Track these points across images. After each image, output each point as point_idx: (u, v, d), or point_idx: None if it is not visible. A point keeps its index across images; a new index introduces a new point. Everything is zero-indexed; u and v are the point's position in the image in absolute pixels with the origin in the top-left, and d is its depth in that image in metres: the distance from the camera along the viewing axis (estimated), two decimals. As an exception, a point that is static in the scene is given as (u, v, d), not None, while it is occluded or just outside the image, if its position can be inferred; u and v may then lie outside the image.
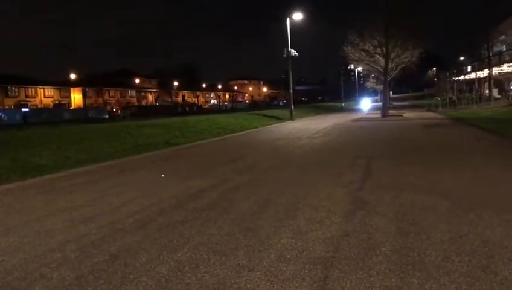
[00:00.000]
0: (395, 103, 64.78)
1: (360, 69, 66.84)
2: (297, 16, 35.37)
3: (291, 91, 37.61)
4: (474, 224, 4.86)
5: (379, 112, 35.07)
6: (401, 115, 32.05)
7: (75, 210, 6.51)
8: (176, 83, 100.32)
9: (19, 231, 5.47)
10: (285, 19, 35.56)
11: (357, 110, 42.04)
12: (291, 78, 37.19)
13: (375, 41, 32.69)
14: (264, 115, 36.03)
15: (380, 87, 56.89)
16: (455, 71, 51.38)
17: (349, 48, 35.21)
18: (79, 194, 7.81)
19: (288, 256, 4.17)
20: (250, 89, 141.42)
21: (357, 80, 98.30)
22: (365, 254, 4.12)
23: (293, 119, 34.84)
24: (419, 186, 7.00)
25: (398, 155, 11.35)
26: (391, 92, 76.57)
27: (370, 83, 78.96)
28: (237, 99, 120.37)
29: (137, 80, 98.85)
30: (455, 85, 55.51)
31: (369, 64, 37.17)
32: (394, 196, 6.37)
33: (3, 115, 40.57)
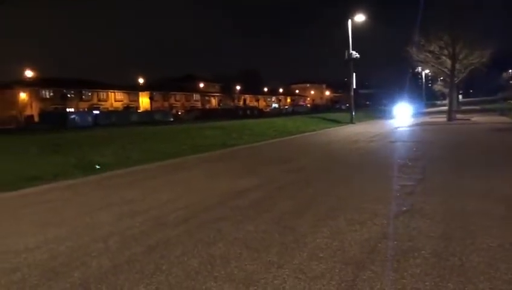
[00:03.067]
0: (464, 107, 61.48)
1: (427, 71, 64.18)
2: (359, 18, 34.70)
3: (352, 94, 36.90)
4: (529, 231, 4.50)
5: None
6: (468, 119, 30.36)
7: (125, 205, 6.79)
8: (238, 87, 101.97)
9: (71, 223, 5.80)
10: (347, 21, 34.99)
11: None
12: (354, 80, 36.50)
13: (442, 42, 31.20)
14: (323, 118, 35.63)
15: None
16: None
17: (413, 49, 33.91)
18: (132, 190, 8.14)
19: (321, 255, 4.09)
20: (312, 92, 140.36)
21: (423, 82, 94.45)
22: (402, 257, 3.94)
23: (353, 123, 34.12)
24: (474, 191, 6.59)
25: (458, 159, 10.76)
26: (460, 96, 72.69)
27: (438, 86, 75.64)
28: (298, 103, 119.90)
29: (201, 84, 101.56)
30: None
31: (434, 66, 35.57)
32: (445, 200, 6.05)
33: (76, 117, 43.29)
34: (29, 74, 60.75)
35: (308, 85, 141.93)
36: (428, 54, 33.31)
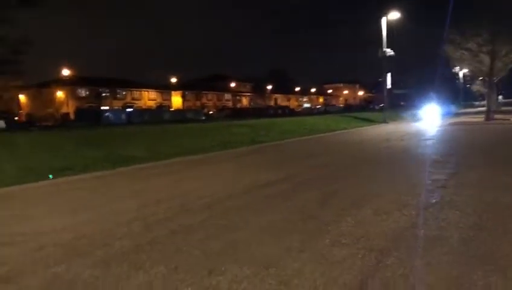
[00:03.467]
0: (504, 108, 59.29)
1: (464, 71, 62.19)
2: (394, 15, 33.99)
3: (386, 93, 36.20)
4: None
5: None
6: (508, 120, 29.21)
7: (151, 193, 6.88)
8: (269, 87, 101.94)
9: (97, 209, 5.91)
10: (380, 18, 34.33)
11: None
12: (388, 78, 35.72)
13: (480, 38, 30.13)
14: (356, 118, 35.11)
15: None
16: None
17: (449, 47, 32.89)
18: (159, 181, 8.25)
19: (344, 241, 3.99)
20: (345, 92, 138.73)
21: (460, 82, 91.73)
22: (430, 245, 3.80)
23: (386, 122, 33.45)
24: (508, 187, 6.30)
25: (493, 157, 10.35)
26: (500, 96, 70.05)
27: (476, 86, 73.29)
28: (331, 103, 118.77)
29: (232, 84, 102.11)
30: None
31: (471, 65, 34.41)
32: (478, 194, 5.81)
33: (110, 115, 44.36)
34: (65, 72, 62.56)
35: (341, 85, 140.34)
36: (464, 52, 32.26)
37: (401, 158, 10.87)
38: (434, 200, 5.51)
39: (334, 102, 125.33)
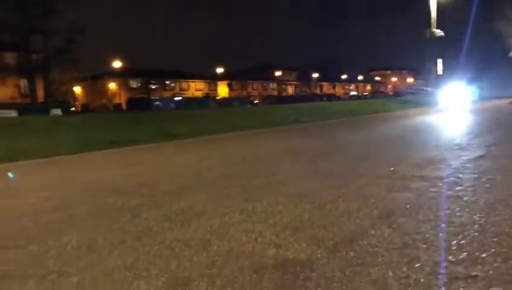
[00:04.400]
0: None
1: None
2: (443, -6, 32.78)
3: (434, 76, 35.08)
4: None
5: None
6: None
7: (196, 154, 7.32)
8: (315, 75, 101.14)
9: (147, 164, 6.45)
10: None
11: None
12: (439, 63, 34.52)
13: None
14: (403, 101, 34.35)
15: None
16: None
17: (503, 23, 31.37)
18: (203, 149, 8.72)
19: (378, 182, 4.16)
20: (393, 79, 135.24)
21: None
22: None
23: (434, 106, 32.50)
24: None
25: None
26: None
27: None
28: (379, 90, 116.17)
29: (278, 73, 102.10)
30: None
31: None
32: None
33: (159, 103, 45.99)
34: (117, 64, 65.03)
35: (388, 72, 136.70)
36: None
37: (438, 133, 10.75)
38: (469, 165, 5.54)
39: (382, 89, 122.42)
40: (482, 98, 34.71)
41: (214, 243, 2.57)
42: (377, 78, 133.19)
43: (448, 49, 34.43)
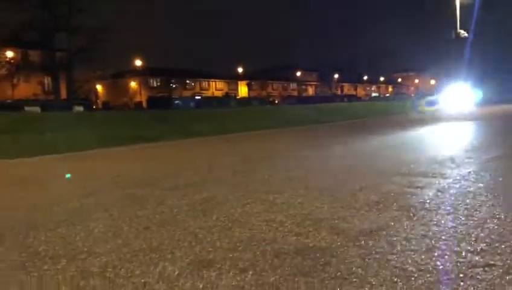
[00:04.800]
0: None
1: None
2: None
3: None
4: None
5: None
6: None
7: (215, 149, 7.44)
8: (336, 76, 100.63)
9: (172, 159, 6.53)
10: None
11: None
12: (461, 65, 33.93)
13: None
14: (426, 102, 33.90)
15: None
16: None
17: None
18: (224, 145, 8.85)
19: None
20: (416, 81, 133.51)
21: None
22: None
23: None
24: None
25: None
26: None
27: None
28: (400, 91, 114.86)
29: (298, 73, 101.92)
30: None
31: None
32: None
33: (179, 102, 46.59)
34: (138, 63, 65.92)
35: (411, 74, 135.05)
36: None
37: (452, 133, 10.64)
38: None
39: (404, 90, 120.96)
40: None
41: (235, 230, 2.65)
42: (399, 80, 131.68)
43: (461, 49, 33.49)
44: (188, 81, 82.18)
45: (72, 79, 47.07)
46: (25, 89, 49.41)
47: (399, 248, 2.19)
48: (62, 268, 2.11)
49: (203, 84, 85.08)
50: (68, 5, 42.77)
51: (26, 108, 33.69)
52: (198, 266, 2.06)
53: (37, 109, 33.87)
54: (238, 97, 74.93)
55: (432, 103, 27.12)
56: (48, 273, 2.06)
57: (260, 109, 24.22)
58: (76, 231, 2.77)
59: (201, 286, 1.83)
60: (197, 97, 56.15)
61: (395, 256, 2.08)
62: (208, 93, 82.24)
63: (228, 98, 63.57)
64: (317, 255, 2.15)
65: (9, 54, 49.57)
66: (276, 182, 4.26)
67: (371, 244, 2.28)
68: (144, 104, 56.40)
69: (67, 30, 43.94)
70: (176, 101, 48.33)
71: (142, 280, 1.92)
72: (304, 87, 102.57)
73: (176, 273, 1.98)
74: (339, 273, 1.91)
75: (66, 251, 2.38)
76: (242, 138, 11.06)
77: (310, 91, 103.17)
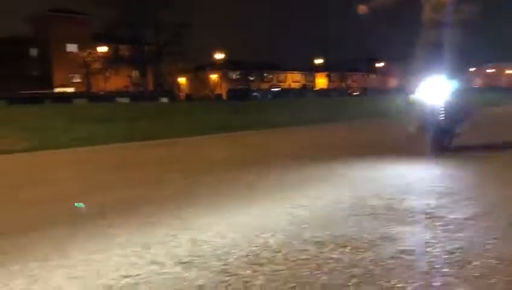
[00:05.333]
0: None
1: None
2: None
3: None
4: None
5: None
6: None
7: (299, 138, 7.59)
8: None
9: (259, 146, 6.85)
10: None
11: None
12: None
13: None
14: None
15: None
16: None
17: None
18: (305, 135, 9.01)
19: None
20: (509, 72, 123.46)
21: None
22: None
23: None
24: None
25: None
26: None
27: None
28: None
29: (380, 64, 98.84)
30: None
31: None
32: None
33: (258, 94, 47.68)
34: (218, 56, 67.83)
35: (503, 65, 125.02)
36: None
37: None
38: None
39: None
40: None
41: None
42: (492, 71, 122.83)
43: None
44: (265, 74, 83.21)
45: (159, 72, 49.63)
46: (115, 82, 53.09)
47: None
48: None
49: (280, 76, 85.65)
50: (157, 0, 44.94)
51: (118, 99, 36.19)
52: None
53: (126, 100, 36.31)
54: (315, 89, 74.54)
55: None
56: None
57: (340, 100, 23.96)
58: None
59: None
60: (274, 89, 56.78)
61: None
62: (285, 85, 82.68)
63: (305, 90, 63.51)
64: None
65: (104, 48, 53.40)
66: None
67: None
68: (224, 96, 58.04)
69: (155, 25, 46.27)
70: (254, 93, 49.35)
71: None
72: (385, 78, 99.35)
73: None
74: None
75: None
76: (324, 128, 11.15)
77: (392, 83, 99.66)
